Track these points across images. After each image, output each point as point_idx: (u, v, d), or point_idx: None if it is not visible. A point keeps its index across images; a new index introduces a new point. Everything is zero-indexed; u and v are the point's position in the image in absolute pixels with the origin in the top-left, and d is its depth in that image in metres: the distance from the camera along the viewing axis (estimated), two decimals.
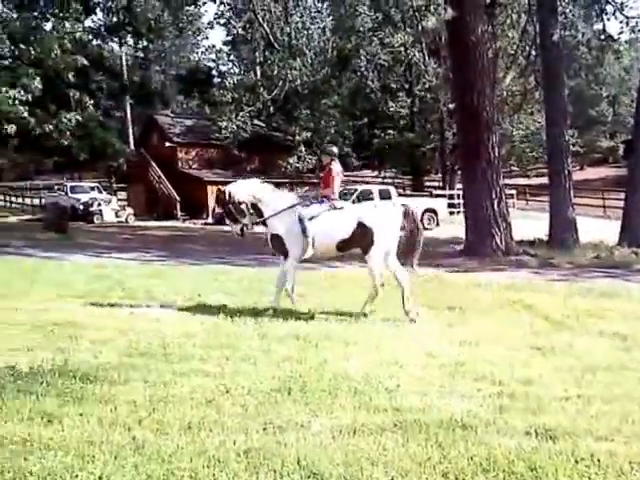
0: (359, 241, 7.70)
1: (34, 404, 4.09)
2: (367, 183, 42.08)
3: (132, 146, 46.95)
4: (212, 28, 52.31)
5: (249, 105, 41.60)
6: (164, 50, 59.62)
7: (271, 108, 44.15)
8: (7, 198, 47.30)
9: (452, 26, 16.88)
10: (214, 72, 48.72)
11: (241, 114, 39.98)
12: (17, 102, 18.21)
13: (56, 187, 40.39)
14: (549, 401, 4.53)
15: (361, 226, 7.59)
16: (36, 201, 43.38)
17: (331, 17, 46.53)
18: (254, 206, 8.02)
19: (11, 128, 19.76)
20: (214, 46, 56.04)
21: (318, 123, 43.00)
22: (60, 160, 51.61)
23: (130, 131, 53.01)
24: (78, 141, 24.57)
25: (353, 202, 29.92)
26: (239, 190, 8.05)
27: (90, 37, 26.31)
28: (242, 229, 8.08)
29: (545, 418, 4.16)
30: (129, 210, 35.75)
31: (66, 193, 35.82)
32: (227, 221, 8.36)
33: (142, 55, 37.47)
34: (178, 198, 37.30)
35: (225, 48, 57.78)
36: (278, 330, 6.57)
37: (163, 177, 39.15)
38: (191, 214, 36.92)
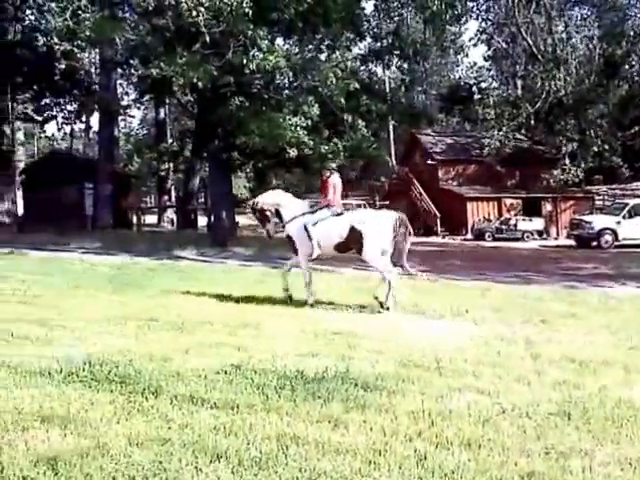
0: (353, 243, 8.87)
1: (321, 408, 4.31)
2: (639, 197, 38.75)
3: (394, 164, 48.41)
4: (475, 45, 52.32)
5: (510, 119, 40.70)
6: (425, 70, 60.75)
7: (532, 121, 42.75)
8: None
9: None
10: (474, 89, 48.43)
11: (503, 129, 39.25)
12: (298, 128, 19.82)
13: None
14: None
15: (352, 230, 8.75)
16: None
17: (598, 24, 43.82)
18: (277, 212, 9.45)
19: (293, 152, 21.56)
20: (475, 63, 55.75)
21: (584, 134, 40.66)
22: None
23: (392, 150, 54.77)
24: (350, 161, 26.01)
25: (624, 217, 28.05)
26: (263, 199, 9.67)
27: (358, 63, 27.77)
28: (268, 232, 9.65)
29: None
30: None
31: None
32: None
33: (405, 77, 38.60)
34: (438, 214, 37.58)
35: (485, 64, 57.23)
36: (552, 352, 6.28)
37: (424, 194, 39.74)
38: (450, 230, 36.98)
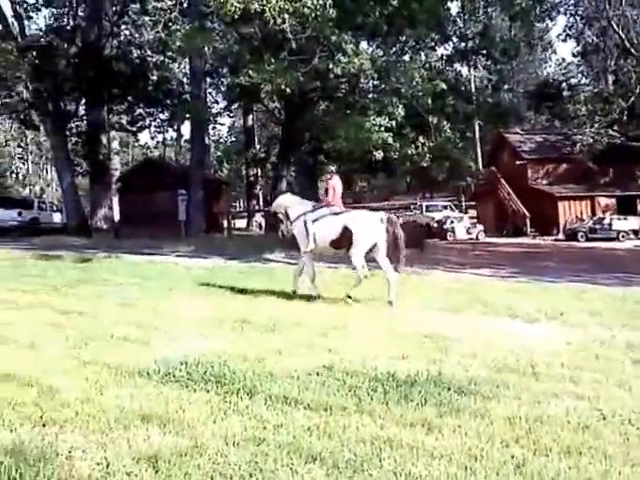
0: (346, 241, 9.45)
1: (415, 411, 4.28)
2: None
3: (480, 165, 47.55)
4: (564, 41, 50.75)
5: (603, 116, 39.25)
6: (512, 68, 59.36)
7: (625, 117, 41.05)
8: None
9: None
10: (564, 85, 46.96)
11: (595, 125, 37.89)
12: (383, 129, 19.74)
13: (412, 206, 42.92)
14: None
15: (345, 229, 9.42)
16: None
17: None
18: (287, 213, 10.33)
19: (379, 154, 21.53)
20: (563, 59, 53.99)
21: None
22: (412, 181, 54.66)
23: (478, 150, 53.81)
24: (436, 163, 25.77)
25: None
26: (276, 203, 10.72)
27: (443, 64, 27.45)
28: (282, 232, 10.59)
29: None
30: (479, 227, 36.14)
31: (421, 212, 37.80)
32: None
33: (492, 76, 37.89)
34: (528, 214, 36.65)
35: (575, 60, 55.38)
36: None
37: (512, 194, 38.84)
38: (540, 230, 35.97)
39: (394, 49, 23.76)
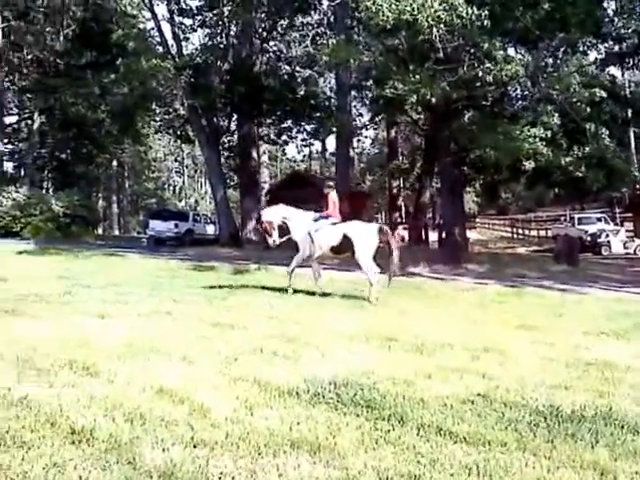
0: (346, 248, 10.77)
1: (584, 452, 3.87)
2: None
3: (637, 173, 44.40)
4: None
5: None
6: None
7: None
8: (514, 230, 49.67)
9: None
10: None
11: None
12: (537, 139, 18.82)
13: (562, 218, 40.85)
14: None
15: (344, 237, 10.73)
16: (541, 232, 44.49)
17: None
18: (284, 223, 11.31)
19: (529, 164, 20.58)
20: None
21: None
22: (560, 192, 52.00)
23: (634, 158, 50.35)
24: (593, 172, 24.29)
25: None
26: (270, 213, 11.69)
27: (596, 68, 25.79)
28: (274, 241, 11.37)
29: None
30: (638, 241, 33.73)
31: (573, 224, 35.84)
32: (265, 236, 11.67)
33: None
34: None
35: None
36: None
37: None
38: None
39: (545, 54, 22.62)
